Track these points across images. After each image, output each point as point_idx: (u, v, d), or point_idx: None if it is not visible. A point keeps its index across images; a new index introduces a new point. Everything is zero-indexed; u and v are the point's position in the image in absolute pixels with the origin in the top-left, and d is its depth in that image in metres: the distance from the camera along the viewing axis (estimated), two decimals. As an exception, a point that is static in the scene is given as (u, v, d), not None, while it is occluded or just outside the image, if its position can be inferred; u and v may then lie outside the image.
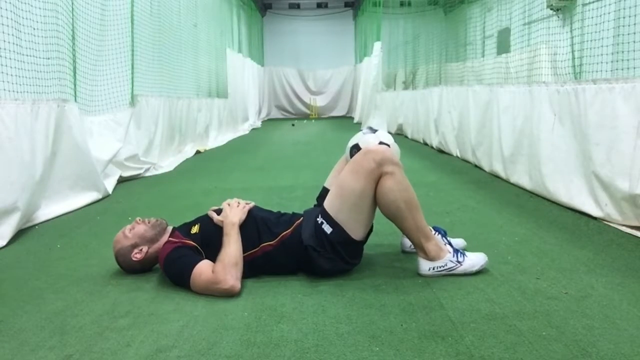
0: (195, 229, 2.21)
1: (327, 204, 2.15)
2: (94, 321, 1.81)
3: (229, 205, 2.23)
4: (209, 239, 2.15)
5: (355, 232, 2.12)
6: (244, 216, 2.19)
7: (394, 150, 2.30)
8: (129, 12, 5.11)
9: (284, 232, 2.17)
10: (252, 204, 2.30)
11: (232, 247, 2.05)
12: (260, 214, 2.26)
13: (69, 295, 2.05)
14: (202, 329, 1.72)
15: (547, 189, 3.53)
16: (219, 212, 2.23)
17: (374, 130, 2.42)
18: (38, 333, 1.72)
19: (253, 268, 2.15)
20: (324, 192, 2.40)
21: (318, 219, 2.12)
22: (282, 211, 2.37)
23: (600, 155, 2.96)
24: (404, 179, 2.10)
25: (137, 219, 2.27)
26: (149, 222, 2.24)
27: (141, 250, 2.19)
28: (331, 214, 2.10)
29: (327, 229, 2.09)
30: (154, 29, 5.97)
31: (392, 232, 2.83)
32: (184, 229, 2.25)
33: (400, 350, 1.56)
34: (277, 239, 2.15)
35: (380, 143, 2.30)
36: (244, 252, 2.11)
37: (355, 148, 2.33)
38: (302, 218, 2.23)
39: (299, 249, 2.13)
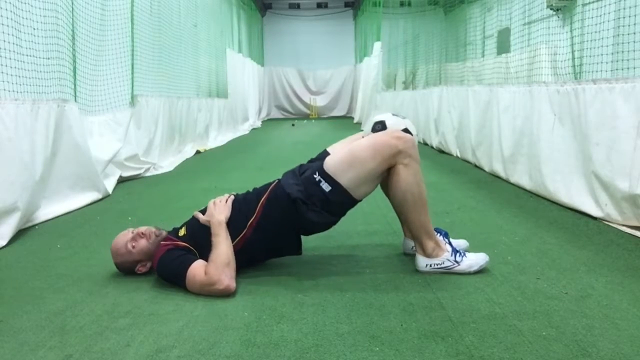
0: (182, 232, 2.21)
1: (330, 165, 2.11)
2: (94, 321, 1.81)
3: (214, 204, 2.22)
4: (197, 240, 2.14)
5: (356, 193, 2.11)
6: (229, 211, 2.17)
7: (415, 141, 2.27)
8: (129, 12, 5.11)
9: (262, 199, 2.17)
10: (232, 196, 2.28)
11: (223, 246, 2.04)
12: (240, 199, 2.26)
13: (69, 295, 2.05)
14: (202, 329, 1.72)
15: (547, 189, 3.53)
16: (205, 212, 2.22)
17: (402, 116, 2.38)
18: (38, 333, 1.72)
19: (249, 252, 2.15)
20: (323, 154, 2.35)
21: (315, 177, 2.11)
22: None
23: (600, 155, 2.96)
24: (419, 173, 2.11)
25: (139, 232, 2.19)
26: (150, 237, 2.19)
27: (145, 265, 2.21)
28: (332, 176, 2.08)
29: (326, 187, 2.08)
30: (154, 29, 5.97)
31: (392, 232, 2.84)
32: (174, 232, 2.25)
33: (400, 350, 1.56)
34: (257, 209, 2.15)
35: (405, 130, 2.24)
36: (235, 238, 2.11)
37: (380, 124, 2.28)
38: (276, 181, 2.24)
39: (285, 204, 2.12)
